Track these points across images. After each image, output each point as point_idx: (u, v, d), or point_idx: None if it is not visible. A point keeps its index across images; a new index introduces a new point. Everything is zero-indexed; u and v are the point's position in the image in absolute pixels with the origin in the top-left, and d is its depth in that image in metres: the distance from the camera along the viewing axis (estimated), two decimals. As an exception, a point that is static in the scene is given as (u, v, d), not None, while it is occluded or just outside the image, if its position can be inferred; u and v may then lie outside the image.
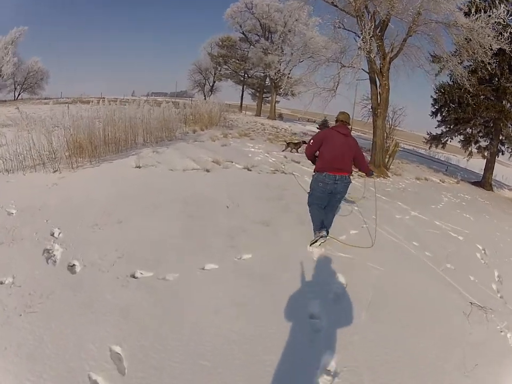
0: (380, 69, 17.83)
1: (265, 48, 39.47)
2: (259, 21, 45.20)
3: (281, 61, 37.67)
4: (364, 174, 7.44)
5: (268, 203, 8.79)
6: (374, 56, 17.59)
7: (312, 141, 6.54)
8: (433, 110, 27.58)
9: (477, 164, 31.85)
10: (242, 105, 57.21)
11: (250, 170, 11.54)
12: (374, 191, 9.55)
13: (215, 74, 56.35)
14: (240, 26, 47.16)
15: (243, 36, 48.69)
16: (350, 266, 6.29)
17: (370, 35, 15.57)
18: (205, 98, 47.58)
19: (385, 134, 18.97)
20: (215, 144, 15.26)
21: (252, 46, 46.18)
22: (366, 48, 15.91)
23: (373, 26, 15.71)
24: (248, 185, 9.82)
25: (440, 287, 6.35)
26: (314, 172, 6.56)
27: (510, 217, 16.24)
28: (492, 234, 11.21)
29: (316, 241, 6.50)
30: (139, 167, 9.98)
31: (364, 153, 6.99)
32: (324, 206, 6.67)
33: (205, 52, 54.95)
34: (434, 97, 26.71)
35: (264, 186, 10.07)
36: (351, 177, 6.55)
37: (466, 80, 18.47)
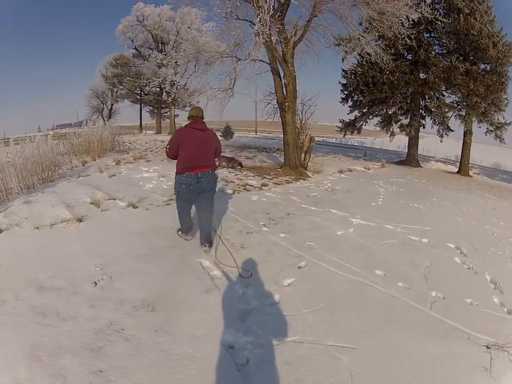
0: (283, 55, 15.84)
1: (158, 62, 36.68)
2: (151, 33, 43.44)
3: (176, 71, 35.41)
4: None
5: (155, 262, 6.56)
6: (275, 43, 15.75)
7: (168, 146, 6.35)
8: (343, 96, 26.66)
9: (391, 143, 31.22)
10: (142, 124, 55.33)
11: (136, 208, 9.46)
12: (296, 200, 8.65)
13: (112, 96, 53.32)
14: (132, 41, 45.04)
15: (136, 52, 46.74)
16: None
17: (269, 16, 13.20)
18: (104, 123, 45.09)
19: (297, 130, 16.84)
20: (102, 176, 13.05)
21: (145, 61, 43.60)
22: (265, 33, 13.59)
23: (271, 10, 13.39)
24: (129, 236, 7.64)
25: (441, 342, 4.75)
26: (176, 174, 6.41)
27: (455, 193, 16.29)
28: (454, 223, 10.53)
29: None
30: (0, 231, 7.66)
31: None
32: (190, 210, 6.89)
33: (100, 74, 52.29)
34: (343, 82, 25.88)
35: (151, 232, 7.93)
36: (215, 171, 6.53)
37: (380, 58, 17.16)
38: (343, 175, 17.26)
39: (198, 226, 7.10)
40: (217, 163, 6.89)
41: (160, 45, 44.01)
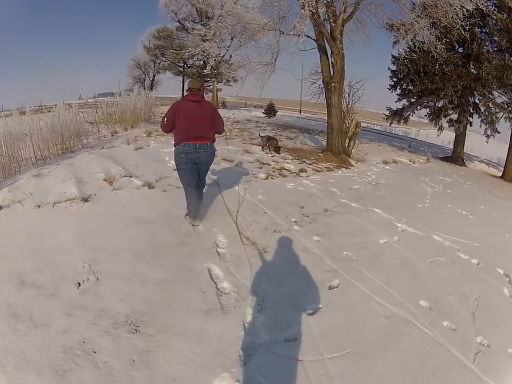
0: (331, 32, 14.08)
1: (202, 35, 34.99)
2: (195, 7, 40.99)
3: (219, 46, 33.91)
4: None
5: (155, 263, 5.37)
6: (323, 19, 14.05)
7: (166, 118, 6.08)
8: (392, 83, 24.81)
9: (434, 135, 29.64)
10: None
11: (152, 188, 8.08)
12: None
13: (154, 67, 52.21)
14: (176, 14, 42.76)
15: (179, 25, 44.64)
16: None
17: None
18: (145, 93, 44.93)
19: (342, 113, 14.95)
20: (127, 148, 11.81)
21: (189, 34, 41.64)
22: (311, 5, 12.13)
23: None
24: (134, 224, 6.43)
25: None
26: (174, 146, 6.12)
27: (502, 202, 14.20)
28: (503, 241, 8.77)
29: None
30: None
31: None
32: (194, 183, 6.37)
33: (142, 45, 50.84)
34: (393, 68, 24.01)
35: (161, 221, 6.67)
36: (214, 145, 6.27)
37: (434, 46, 15.53)
38: (387, 167, 15.45)
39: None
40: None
41: (204, 18, 41.88)
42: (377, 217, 8.51)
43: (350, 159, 14.39)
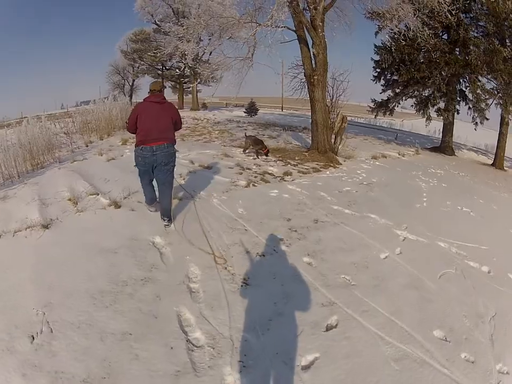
0: (311, 21, 12.92)
1: (180, 36, 33.85)
2: (171, 7, 40.27)
3: (197, 46, 32.90)
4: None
5: (114, 308, 4.41)
6: (302, 8, 13.05)
7: (128, 121, 6.11)
8: (375, 74, 23.91)
9: (420, 125, 30.05)
10: None
11: (119, 207, 7.15)
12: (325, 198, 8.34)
13: (133, 72, 50.72)
14: (152, 16, 41.68)
15: (156, 27, 43.19)
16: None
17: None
18: (130, 100, 44.22)
19: (327, 108, 13.76)
20: (100, 160, 11.02)
21: (166, 36, 40.51)
22: None
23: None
24: (94, 256, 5.46)
25: None
26: (134, 147, 6.08)
27: (498, 193, 13.66)
28: (510, 239, 8.32)
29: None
30: None
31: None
32: (151, 180, 6.39)
33: (119, 50, 49.33)
34: (376, 58, 23.07)
35: (126, 250, 5.66)
36: (173, 146, 6.20)
37: (420, 33, 14.63)
38: (377, 162, 14.47)
39: (159, 199, 6.52)
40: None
41: (181, 19, 40.35)
42: (374, 224, 7.59)
43: (337, 157, 13.31)
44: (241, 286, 4.88)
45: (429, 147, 23.47)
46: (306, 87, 14.01)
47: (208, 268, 5.25)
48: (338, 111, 14.30)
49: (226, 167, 10.51)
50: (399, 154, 17.44)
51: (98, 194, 7.64)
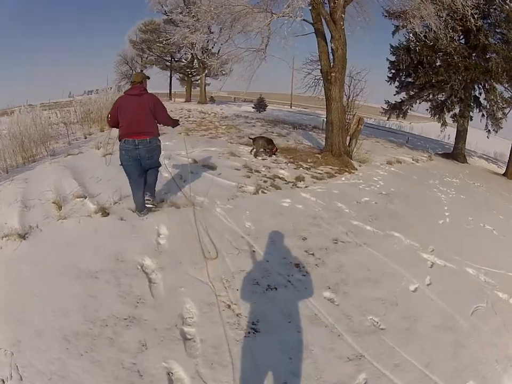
0: (331, 14, 11.70)
1: (189, 25, 32.80)
2: None
3: (208, 39, 31.99)
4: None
5: (89, 357, 3.43)
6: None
7: (109, 115, 5.86)
8: (390, 75, 22.71)
9: (429, 129, 30.21)
10: (172, 92, 51.20)
11: (107, 215, 6.18)
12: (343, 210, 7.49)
13: (141, 62, 49.50)
14: (162, 6, 40.18)
15: (166, 17, 41.87)
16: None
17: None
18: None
19: (343, 108, 12.60)
20: (95, 154, 10.11)
21: (176, 27, 39.37)
22: None
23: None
24: (72, 280, 4.49)
25: None
26: (119, 141, 5.88)
27: None
28: None
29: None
30: None
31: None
32: (139, 178, 6.01)
33: (128, 40, 48.57)
34: (392, 59, 21.94)
35: (109, 275, 4.65)
36: (157, 139, 5.92)
37: (444, 35, 13.56)
38: (392, 168, 13.32)
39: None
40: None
41: (191, 9, 39.67)
42: (398, 246, 6.63)
43: (352, 161, 12.21)
44: (249, 333, 3.82)
45: (440, 153, 22.50)
46: (321, 84, 12.98)
47: (207, 305, 4.21)
48: (354, 112, 13.23)
49: (233, 168, 9.51)
50: (412, 160, 16.55)
51: (85, 198, 6.76)
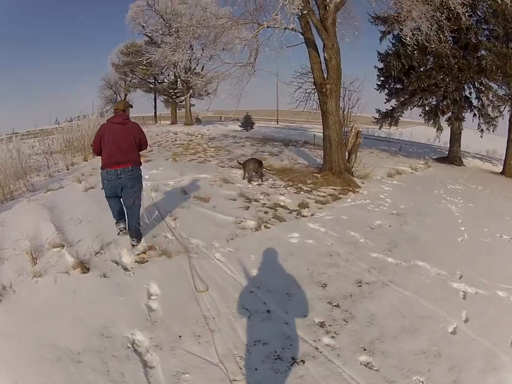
0: (321, 21, 10.77)
1: (172, 48, 32.09)
2: (162, 18, 37.86)
3: (191, 58, 31.52)
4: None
5: None
6: (312, 5, 10.84)
7: (93, 142, 5.87)
8: (379, 82, 22.29)
9: (418, 133, 30.80)
10: (157, 115, 50.32)
11: (87, 271, 5.18)
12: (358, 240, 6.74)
13: (125, 86, 48.84)
14: (143, 27, 39.48)
15: (148, 39, 41.29)
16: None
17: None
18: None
19: (341, 122, 11.68)
20: (77, 188, 9.25)
21: (158, 48, 38.75)
22: None
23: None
24: (47, 368, 3.43)
25: None
26: (101, 169, 5.77)
27: None
28: None
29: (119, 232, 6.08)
30: None
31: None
32: (117, 195, 5.83)
33: (111, 63, 47.77)
34: (380, 66, 21.50)
35: (92, 357, 3.63)
36: (139, 168, 5.81)
37: (438, 36, 13.02)
38: (395, 181, 12.69)
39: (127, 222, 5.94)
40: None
41: (172, 30, 39.17)
42: (426, 277, 5.77)
43: (354, 179, 11.25)
44: None
45: (435, 157, 22.25)
46: (313, 98, 12.28)
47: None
48: (352, 125, 12.30)
49: (228, 199, 8.53)
50: (411, 169, 16.00)
51: (63, 247, 5.84)
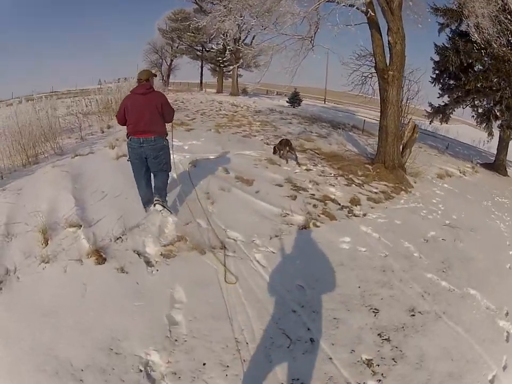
0: (387, 3, 9.57)
1: (222, 14, 30.97)
2: None
3: (241, 29, 30.42)
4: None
5: None
6: None
7: (117, 115, 5.63)
8: (434, 76, 20.32)
9: (463, 132, 29.00)
10: (203, 82, 48.44)
11: (103, 262, 4.43)
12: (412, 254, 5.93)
13: (171, 51, 47.80)
14: (192, -6, 38.17)
15: (197, 6, 39.92)
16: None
17: None
18: (163, 79, 44.52)
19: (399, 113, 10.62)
20: (108, 156, 8.45)
21: (207, 17, 37.66)
22: None
23: None
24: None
25: None
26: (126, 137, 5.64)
27: None
28: None
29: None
30: None
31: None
32: (144, 176, 5.62)
33: (158, 28, 46.96)
34: (436, 59, 19.61)
35: (97, 374, 2.90)
36: (163, 139, 5.48)
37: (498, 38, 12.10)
38: (445, 184, 11.40)
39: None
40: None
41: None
42: (477, 310, 5.01)
43: (407, 176, 10.25)
44: None
45: (481, 163, 20.39)
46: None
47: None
48: (409, 118, 11.27)
49: (273, 183, 7.67)
50: (460, 172, 14.75)
51: (80, 227, 5.09)
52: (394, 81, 9.82)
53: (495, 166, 19.40)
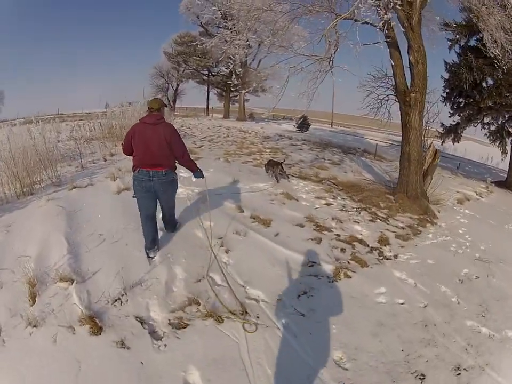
0: (408, 19, 8.98)
1: (227, 40, 30.53)
2: (219, 10, 35.14)
3: (247, 53, 30.04)
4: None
5: None
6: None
7: (123, 142, 5.46)
8: (444, 95, 19.59)
9: (471, 150, 28.83)
10: (209, 107, 48.87)
11: (99, 333, 3.71)
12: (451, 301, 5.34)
13: (177, 75, 47.81)
14: (198, 18, 38.44)
15: (203, 30, 39.97)
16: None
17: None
18: (169, 104, 44.40)
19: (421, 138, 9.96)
20: (108, 189, 7.92)
21: (213, 40, 37.49)
22: None
23: None
24: None
25: None
26: (132, 170, 5.40)
27: None
28: None
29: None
30: None
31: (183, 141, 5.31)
32: (152, 213, 5.31)
33: (164, 52, 47.07)
34: (447, 76, 19.12)
35: None
36: (173, 172, 5.26)
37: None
38: (467, 210, 10.67)
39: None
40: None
41: (229, 22, 37.53)
42: None
43: (430, 206, 9.47)
44: None
45: (494, 181, 19.55)
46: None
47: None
48: (430, 142, 10.58)
49: (294, 224, 6.87)
50: (476, 194, 14.04)
51: (72, 283, 4.45)
52: (416, 104, 9.17)
53: (507, 183, 18.86)
